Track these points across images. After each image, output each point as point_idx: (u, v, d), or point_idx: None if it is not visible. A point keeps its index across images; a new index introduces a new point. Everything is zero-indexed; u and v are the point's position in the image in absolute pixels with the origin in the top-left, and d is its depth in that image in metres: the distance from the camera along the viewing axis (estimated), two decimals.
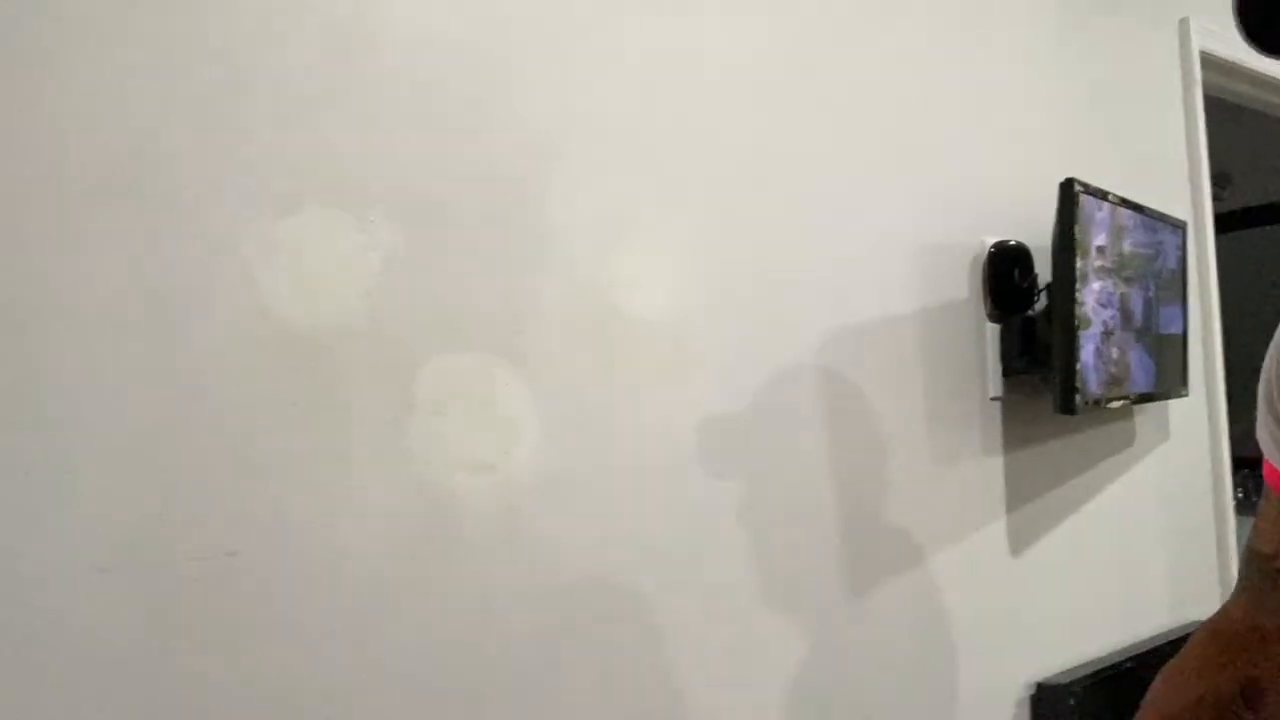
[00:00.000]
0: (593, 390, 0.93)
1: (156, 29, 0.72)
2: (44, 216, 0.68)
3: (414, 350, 0.82)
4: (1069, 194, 1.19)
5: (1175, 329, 1.55)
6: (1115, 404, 1.37)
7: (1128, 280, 1.36)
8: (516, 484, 0.87)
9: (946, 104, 1.31)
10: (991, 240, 1.32)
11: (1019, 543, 1.39)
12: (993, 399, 1.34)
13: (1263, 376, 0.62)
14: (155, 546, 0.70)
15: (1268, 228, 2.89)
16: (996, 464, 1.36)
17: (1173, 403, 1.65)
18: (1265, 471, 0.64)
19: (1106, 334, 1.29)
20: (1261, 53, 0.44)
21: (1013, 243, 1.32)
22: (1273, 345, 0.61)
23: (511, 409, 0.87)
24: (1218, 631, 0.67)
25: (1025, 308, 1.32)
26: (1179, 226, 1.56)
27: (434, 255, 0.84)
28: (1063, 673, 1.38)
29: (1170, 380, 1.55)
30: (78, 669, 0.66)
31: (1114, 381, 1.33)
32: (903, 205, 1.24)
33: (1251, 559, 0.66)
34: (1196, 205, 1.76)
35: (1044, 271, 1.31)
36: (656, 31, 1.01)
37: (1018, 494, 1.38)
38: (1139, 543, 1.62)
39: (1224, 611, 0.68)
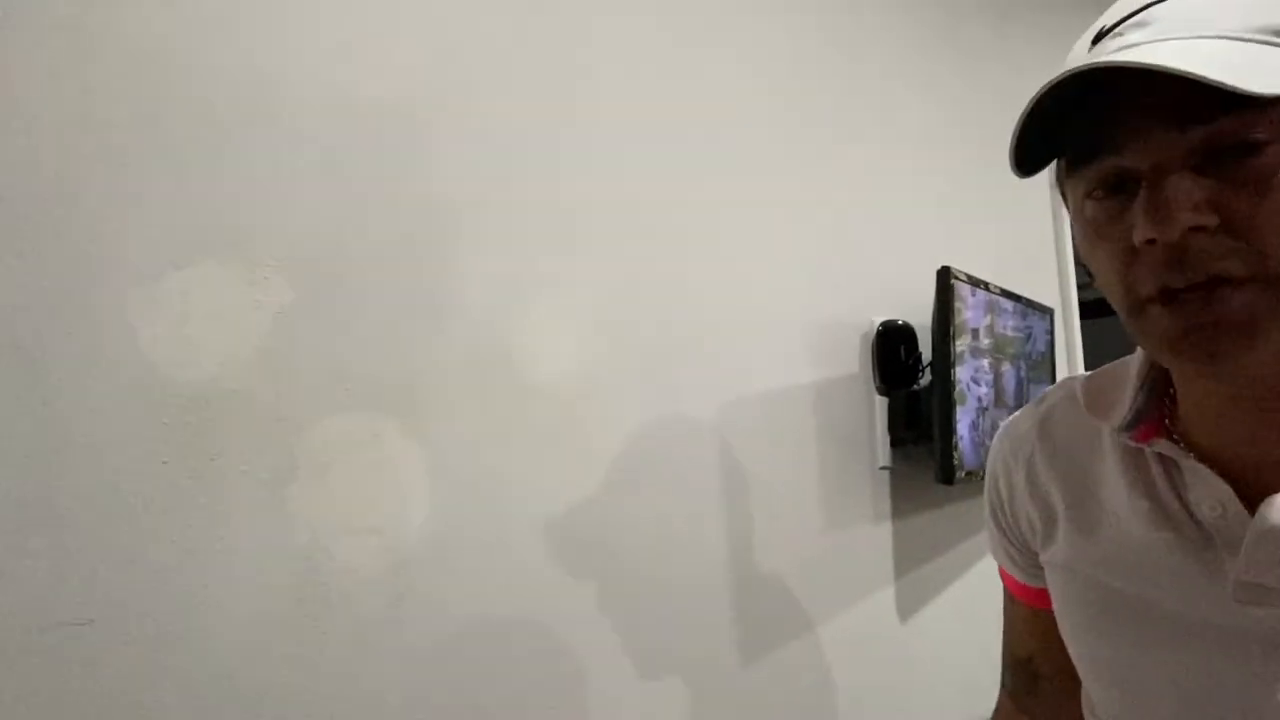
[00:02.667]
0: (486, 454, 0.93)
1: (54, 78, 0.71)
2: None
3: (300, 411, 0.80)
4: (945, 280, 1.30)
5: None
6: None
7: (1001, 360, 1.48)
8: (404, 549, 0.86)
9: (840, 192, 1.41)
10: (880, 319, 1.41)
11: (907, 608, 1.44)
12: (881, 468, 1.41)
13: (986, 496, 0.64)
14: (3, 613, 0.65)
15: None
16: (885, 531, 1.42)
17: None
18: (1004, 580, 0.68)
19: (982, 409, 1.39)
20: (1019, 173, 0.48)
21: (899, 322, 1.41)
22: (989, 468, 0.64)
23: (401, 472, 0.86)
24: None
25: (911, 383, 1.40)
26: (1047, 312, 1.70)
27: (327, 314, 0.83)
28: None
29: None
30: None
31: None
32: (798, 283, 1.31)
33: (1010, 663, 0.69)
34: (1063, 293, 1.94)
35: (928, 350, 1.41)
36: (562, 104, 1.06)
37: (905, 560, 1.44)
38: None
39: (996, 713, 0.72)
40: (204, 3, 0.79)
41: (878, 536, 1.40)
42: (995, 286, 1.47)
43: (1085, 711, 0.59)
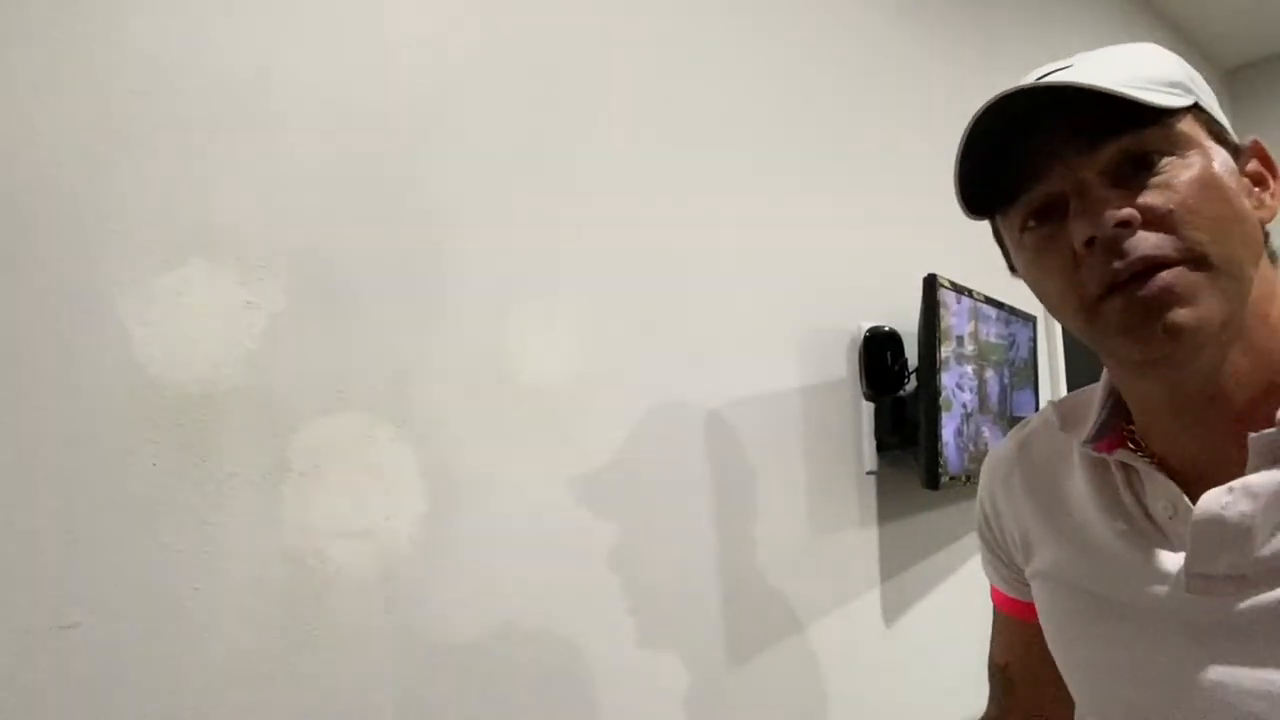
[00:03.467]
0: (478, 458, 0.93)
1: (39, 72, 0.70)
2: None
3: (292, 412, 0.80)
4: (931, 287, 1.31)
5: (1028, 411, 1.70)
6: (977, 480, 1.48)
7: (985, 367, 1.50)
8: (396, 551, 0.85)
9: (828, 200, 1.43)
10: (867, 325, 1.42)
11: (892, 612, 1.45)
12: (868, 473, 1.42)
13: (977, 515, 0.70)
14: None
15: None
16: (872, 535, 1.43)
17: None
18: (993, 594, 0.73)
19: (967, 416, 1.41)
20: (973, 217, 0.56)
21: (886, 328, 1.43)
22: (981, 486, 0.70)
23: (393, 474, 0.86)
24: None
25: (897, 388, 1.42)
26: (1030, 319, 1.73)
27: (320, 316, 0.83)
28: None
29: None
30: None
31: (975, 459, 1.44)
32: (786, 289, 1.32)
33: (990, 671, 0.75)
34: None
35: (914, 356, 1.42)
36: (555, 112, 1.06)
37: (891, 565, 1.46)
38: None
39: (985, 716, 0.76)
40: (198, 8, 0.79)
41: (864, 541, 1.41)
42: (980, 294, 1.49)
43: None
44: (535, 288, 1.01)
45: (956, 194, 0.53)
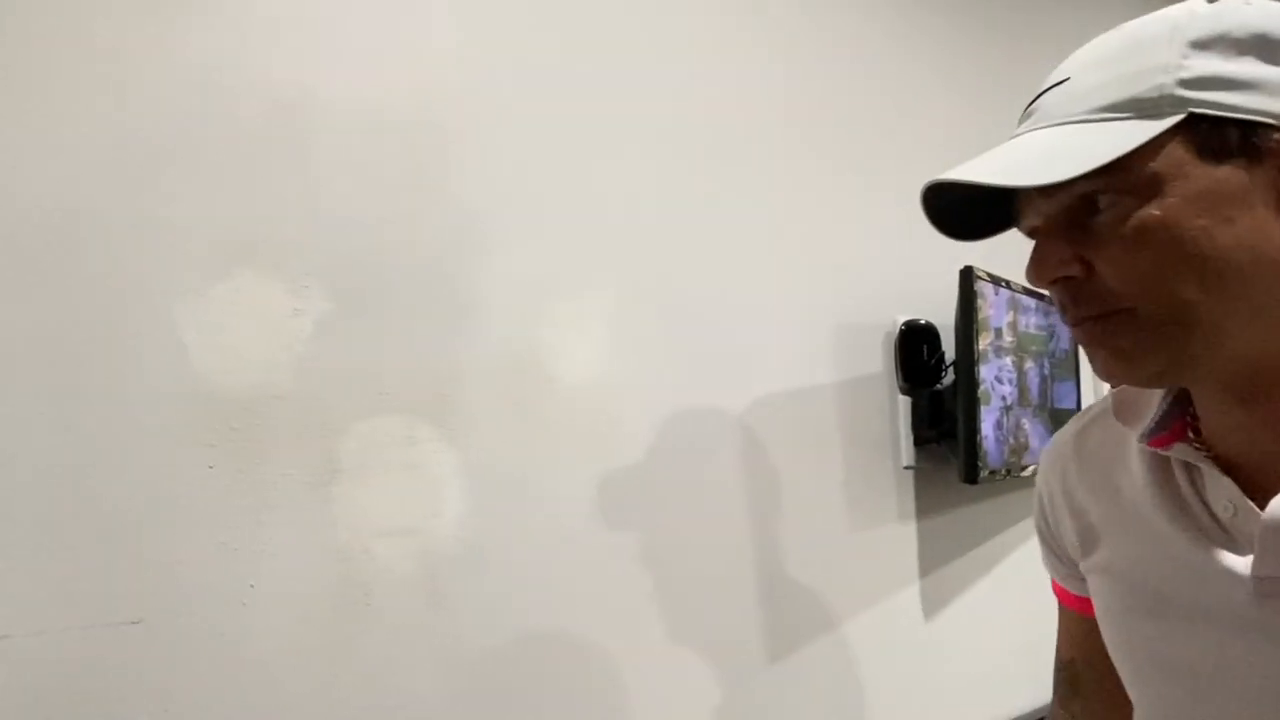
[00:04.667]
0: (516, 457, 0.95)
1: (96, 97, 0.74)
2: None
3: (339, 415, 0.83)
4: (968, 279, 1.30)
5: (1069, 403, 1.67)
6: (1017, 474, 1.46)
7: (1025, 359, 1.48)
8: (439, 549, 0.88)
9: (863, 192, 1.42)
10: (903, 319, 1.41)
11: (932, 607, 1.44)
12: (906, 468, 1.41)
13: (1035, 508, 0.69)
14: (53, 614, 0.68)
15: None
16: (910, 530, 1.42)
17: None
18: (1054, 587, 0.72)
19: (1006, 409, 1.39)
20: (955, 239, 0.56)
21: (922, 322, 1.41)
22: (1038, 478, 0.68)
23: (435, 475, 0.88)
24: None
25: (934, 382, 1.41)
26: None
27: (363, 322, 0.86)
28: None
29: None
30: None
31: (1014, 453, 1.42)
32: (821, 284, 1.32)
33: (1056, 666, 0.73)
34: None
35: (951, 349, 1.41)
36: (586, 114, 1.07)
37: (930, 559, 1.44)
38: (1047, 607, 1.69)
39: (1050, 710, 0.74)
40: (238, 27, 0.82)
41: (902, 536, 1.40)
42: (1018, 284, 1.46)
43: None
44: (568, 289, 1.02)
45: (934, 227, 0.54)
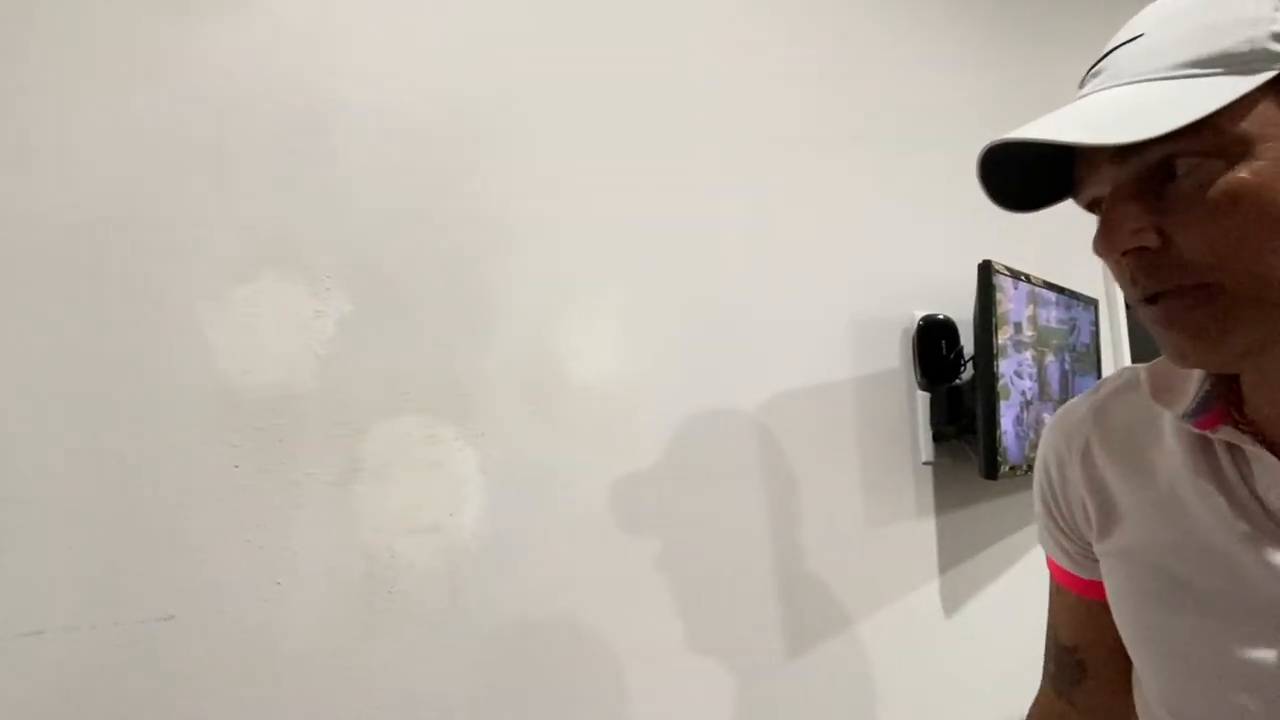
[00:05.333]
0: (535, 454, 0.95)
1: (128, 105, 0.75)
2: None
3: (361, 415, 0.84)
4: (986, 274, 1.29)
5: None
6: None
7: (1045, 353, 1.46)
8: (460, 546, 0.89)
9: (880, 186, 1.41)
10: (920, 314, 1.40)
11: (951, 603, 1.43)
12: (924, 463, 1.40)
13: (1035, 484, 0.64)
14: (87, 609, 0.70)
15: None
16: (929, 526, 1.41)
17: None
18: (1051, 569, 0.67)
19: (1025, 403, 1.38)
20: (1008, 209, 0.52)
21: (940, 316, 1.41)
22: (1039, 456, 0.64)
23: (456, 473, 0.89)
24: None
25: (953, 377, 1.40)
26: (1091, 303, 1.68)
27: (384, 323, 0.87)
28: None
29: None
30: None
31: (1034, 447, 1.41)
32: (838, 279, 1.32)
33: (1054, 652, 0.68)
34: (1108, 284, 1.90)
35: (969, 343, 1.40)
36: (602, 110, 1.08)
37: (950, 555, 1.44)
38: None
39: (1035, 704, 0.70)
40: (263, 35, 0.83)
41: (921, 532, 1.40)
42: (1038, 279, 1.45)
43: (1139, 703, 0.58)
44: (585, 288, 1.03)
45: (988, 195, 0.50)
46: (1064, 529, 0.63)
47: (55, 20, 0.73)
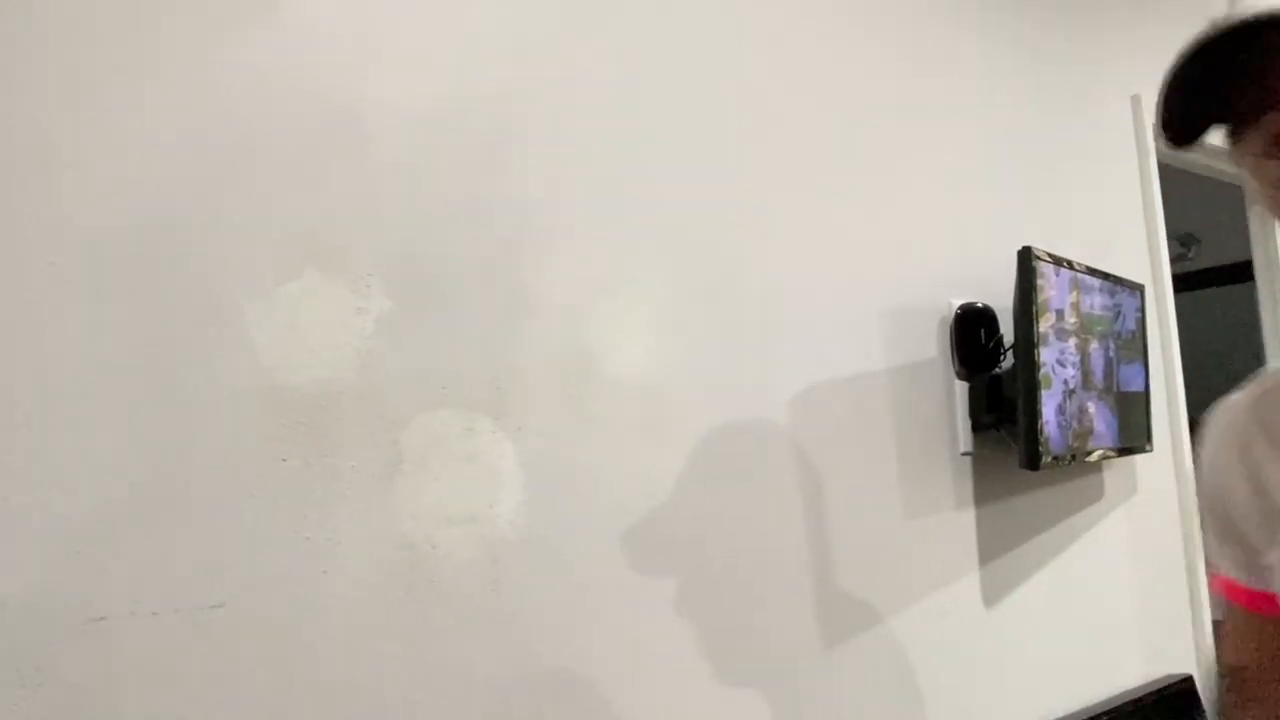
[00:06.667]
0: (572, 447, 0.96)
1: (164, 108, 0.78)
2: (51, 283, 0.72)
3: (401, 409, 0.86)
4: (1026, 261, 1.26)
5: (1137, 386, 1.61)
6: (1082, 459, 1.42)
7: (1089, 340, 1.43)
8: (499, 537, 0.90)
9: (916, 173, 1.39)
10: (959, 302, 1.38)
11: (992, 596, 1.41)
12: (963, 454, 1.38)
13: (1205, 489, 0.61)
14: (146, 596, 0.72)
15: (1231, 286, 3.00)
16: (969, 518, 1.39)
17: (1140, 457, 1.70)
18: (1225, 589, 0.62)
19: (1068, 392, 1.35)
20: (1172, 147, 0.49)
21: (979, 305, 1.38)
22: (1203, 460, 0.60)
23: (494, 465, 0.91)
24: None
25: (992, 366, 1.37)
26: (1137, 288, 1.63)
27: (423, 319, 0.88)
28: None
29: (1134, 436, 1.60)
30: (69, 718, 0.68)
31: (1079, 437, 1.38)
32: (873, 268, 1.30)
33: (1221, 671, 0.64)
34: (1155, 268, 1.85)
35: (1009, 332, 1.37)
36: (637, 110, 1.08)
37: (990, 547, 1.42)
38: (1111, 596, 1.65)
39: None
40: (299, 37, 0.85)
41: (961, 523, 1.38)
42: (1080, 264, 1.42)
43: None
44: (620, 281, 1.03)
45: (1159, 122, 0.46)
46: (1234, 538, 0.59)
47: (104, 36, 0.75)
